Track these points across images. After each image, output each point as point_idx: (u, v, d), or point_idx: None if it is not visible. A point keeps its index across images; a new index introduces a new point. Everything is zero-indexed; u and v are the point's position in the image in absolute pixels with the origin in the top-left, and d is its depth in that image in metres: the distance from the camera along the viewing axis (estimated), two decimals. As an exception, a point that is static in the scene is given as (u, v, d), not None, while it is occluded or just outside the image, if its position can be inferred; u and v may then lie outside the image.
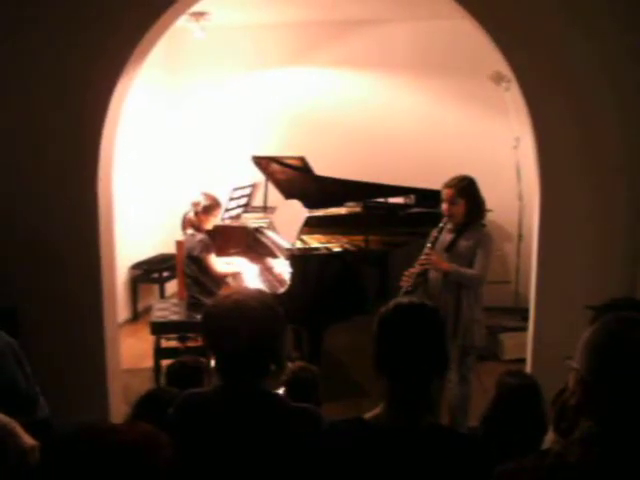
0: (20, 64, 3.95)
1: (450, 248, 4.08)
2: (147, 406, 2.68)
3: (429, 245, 4.11)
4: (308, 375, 3.21)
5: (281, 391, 3.15)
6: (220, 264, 5.17)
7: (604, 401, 1.49)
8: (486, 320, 4.33)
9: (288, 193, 5.70)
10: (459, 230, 4.09)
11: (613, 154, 3.71)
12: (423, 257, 4.08)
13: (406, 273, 4.11)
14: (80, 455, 1.44)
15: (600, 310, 2.15)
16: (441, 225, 4.13)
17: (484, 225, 4.15)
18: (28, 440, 2.36)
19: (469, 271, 4.00)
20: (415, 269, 4.09)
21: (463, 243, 4.05)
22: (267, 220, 5.74)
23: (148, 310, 6.56)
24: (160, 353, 5.15)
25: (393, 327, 1.91)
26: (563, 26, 3.64)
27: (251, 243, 5.69)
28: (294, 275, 4.60)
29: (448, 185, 4.07)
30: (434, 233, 4.13)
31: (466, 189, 4.05)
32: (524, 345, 4.16)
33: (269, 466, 1.96)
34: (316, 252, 5.00)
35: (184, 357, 3.64)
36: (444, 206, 4.08)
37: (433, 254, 4.07)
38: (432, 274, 4.17)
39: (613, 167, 3.72)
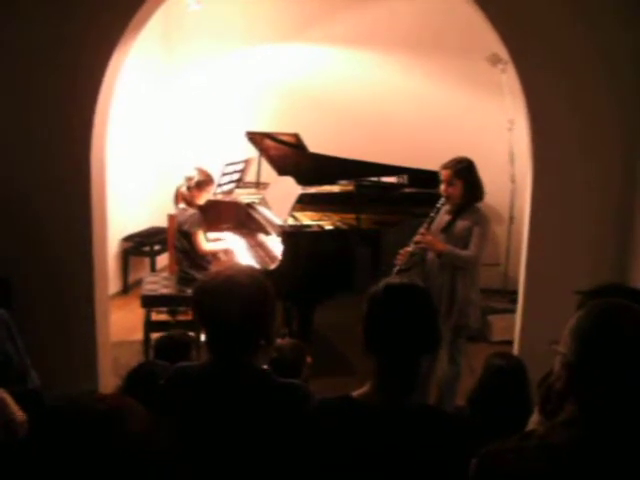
0: (17, 32, 3.91)
1: (447, 229, 4.11)
2: (138, 379, 2.70)
3: (425, 225, 4.13)
4: (295, 351, 3.23)
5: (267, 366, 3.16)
6: (206, 242, 5.16)
7: (588, 385, 1.52)
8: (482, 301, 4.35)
9: (281, 169, 5.70)
10: (456, 211, 4.11)
11: (608, 140, 3.72)
12: (418, 237, 4.11)
13: (401, 252, 4.14)
14: (66, 426, 1.45)
15: (587, 295, 2.16)
16: (438, 206, 4.15)
17: (478, 207, 4.16)
18: (17, 412, 2.38)
19: (463, 252, 4.02)
20: (410, 248, 4.12)
21: (460, 224, 4.07)
22: (259, 196, 5.72)
23: (139, 283, 6.54)
24: (150, 326, 5.15)
25: (382, 306, 1.92)
26: (560, 9, 3.64)
27: (243, 219, 5.68)
28: (285, 251, 4.61)
29: (446, 166, 4.09)
30: (431, 213, 4.16)
31: (463, 171, 4.06)
32: (512, 327, 4.19)
33: (256, 440, 1.98)
34: (308, 229, 5.01)
35: (171, 331, 3.67)
36: (442, 187, 4.10)
37: (428, 234, 4.10)
38: (429, 255, 4.20)
39: (607, 152, 3.73)
